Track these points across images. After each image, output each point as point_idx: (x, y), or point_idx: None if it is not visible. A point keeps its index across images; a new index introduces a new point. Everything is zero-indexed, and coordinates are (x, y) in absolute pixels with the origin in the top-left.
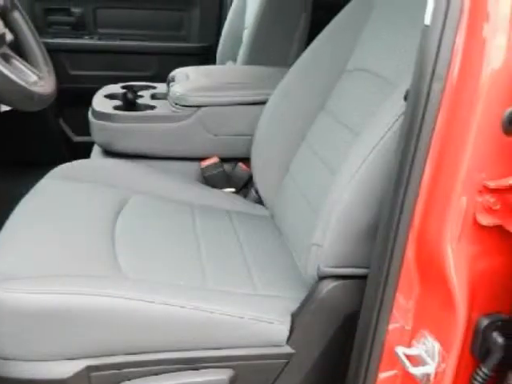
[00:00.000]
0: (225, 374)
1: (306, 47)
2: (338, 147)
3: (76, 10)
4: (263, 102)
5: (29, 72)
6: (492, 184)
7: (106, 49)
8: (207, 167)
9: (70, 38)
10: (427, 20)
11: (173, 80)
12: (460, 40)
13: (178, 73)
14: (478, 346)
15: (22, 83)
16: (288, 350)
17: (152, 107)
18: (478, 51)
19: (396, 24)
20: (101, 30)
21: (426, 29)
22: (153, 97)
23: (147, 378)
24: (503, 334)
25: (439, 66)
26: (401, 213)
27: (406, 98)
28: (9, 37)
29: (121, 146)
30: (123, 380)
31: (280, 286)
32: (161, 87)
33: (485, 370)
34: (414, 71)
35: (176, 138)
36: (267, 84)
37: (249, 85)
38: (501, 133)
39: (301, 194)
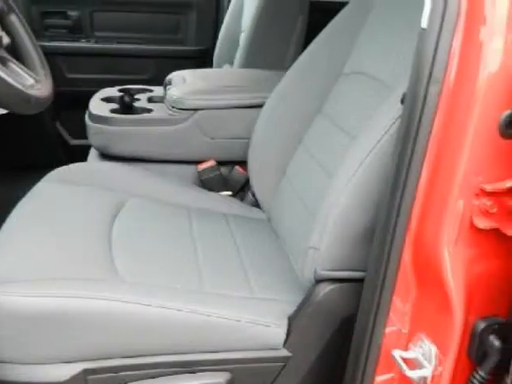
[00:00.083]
0: (222, 377)
1: (302, 50)
2: (335, 150)
3: (73, 14)
4: (260, 105)
5: (26, 75)
6: (489, 187)
7: (103, 52)
8: (204, 170)
9: (67, 41)
10: (424, 23)
11: (169, 83)
12: (457, 43)
13: (175, 76)
14: (474, 349)
15: (19, 86)
16: (285, 353)
17: (149, 110)
18: (475, 54)
19: (393, 27)
20: (97, 34)
21: (423, 32)
22: (150, 100)
23: (144, 381)
24: (500, 338)
25: (436, 69)
26: (398, 216)
27: (402, 101)
28: (5, 40)
29: (118, 149)
30: (120, 383)
31: (277, 289)
32: (158, 90)
33: (481, 373)
34: (411, 74)
35: (173, 141)
36: (264, 87)
37: (246, 88)
38: (498, 136)
39: (298, 197)
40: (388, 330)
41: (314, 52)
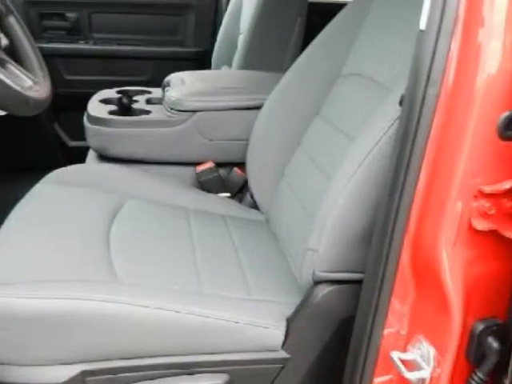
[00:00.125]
0: (220, 379)
1: (301, 52)
2: (333, 152)
3: (71, 15)
4: (258, 107)
5: (24, 77)
6: (487, 189)
7: (101, 54)
8: (202, 172)
9: (65, 42)
10: (422, 25)
11: (168, 85)
12: (455, 45)
13: (174, 77)
14: (473, 351)
15: (17, 88)
16: (283, 354)
17: (147, 112)
18: (473, 56)
19: (390, 29)
20: (96, 35)
21: (421, 34)
22: (148, 102)
23: (142, 382)
24: (498, 339)
25: (434, 71)
26: (396, 218)
27: (401, 103)
28: (4, 41)
29: (116, 150)
30: None
31: (275, 290)
32: (156, 92)
33: (480, 374)
34: (409, 76)
35: (171, 142)
36: (262, 89)
37: (244, 90)
38: (496, 138)
39: (296, 198)
40: (386, 331)
41: (312, 54)
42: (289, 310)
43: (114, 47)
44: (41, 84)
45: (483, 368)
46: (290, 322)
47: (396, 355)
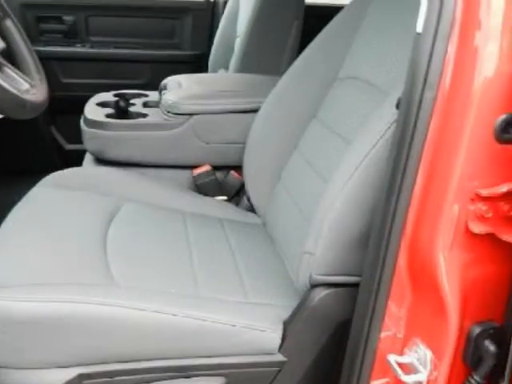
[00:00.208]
0: (217, 382)
1: (297, 55)
2: (330, 155)
3: (68, 18)
4: (255, 110)
5: (21, 80)
6: (484, 192)
7: (98, 57)
8: (199, 175)
9: (62, 46)
10: (419, 28)
11: (165, 88)
12: (452, 48)
13: (170, 81)
14: (470, 354)
15: (14, 91)
16: (280, 358)
17: (144, 115)
18: (470, 59)
19: (387, 32)
20: (93, 38)
21: (418, 37)
22: (145, 105)
23: None
24: (495, 342)
25: (431, 75)
26: (393, 221)
27: (397, 106)
28: (1, 45)
29: (113, 154)
30: None
31: (272, 293)
32: (153, 95)
33: (477, 377)
34: (406, 79)
35: (168, 145)
36: (259, 92)
37: (241, 93)
38: (493, 141)
39: (293, 202)
40: (383, 334)
41: (308, 57)
42: (285, 313)
43: (111, 50)
44: (38, 87)
45: (480, 371)
46: (286, 325)
47: (393, 358)
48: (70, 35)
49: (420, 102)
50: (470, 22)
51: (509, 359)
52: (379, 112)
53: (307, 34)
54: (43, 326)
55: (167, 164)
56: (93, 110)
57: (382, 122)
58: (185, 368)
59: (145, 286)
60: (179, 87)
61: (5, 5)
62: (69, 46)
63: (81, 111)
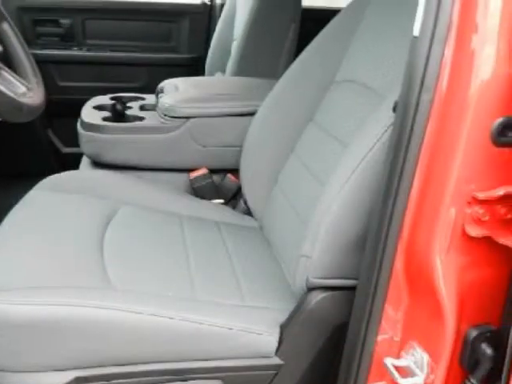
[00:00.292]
0: None
1: (294, 58)
2: (327, 158)
3: (65, 21)
4: (252, 114)
5: (18, 83)
6: (481, 195)
7: (95, 60)
8: (196, 178)
9: (59, 49)
10: (416, 31)
11: (162, 91)
12: (449, 51)
13: (167, 84)
14: (466, 357)
15: (11, 94)
16: (277, 361)
17: (141, 118)
18: (467, 62)
19: (384, 35)
20: (89, 41)
21: (415, 40)
22: (142, 108)
23: None
24: (492, 346)
25: (428, 77)
26: (390, 224)
27: (394, 109)
28: None
29: (110, 157)
30: None
31: (269, 297)
32: (150, 98)
33: (473, 381)
34: (403, 82)
35: (165, 149)
36: (256, 95)
37: (237, 96)
38: (490, 144)
39: (289, 205)
40: (380, 337)
41: (305, 60)
42: (282, 317)
43: (108, 53)
44: (34, 90)
45: (477, 374)
46: (283, 328)
47: (390, 361)
48: (67, 38)
49: (417, 105)
50: (467, 24)
51: (505, 362)
52: (376, 115)
53: (304, 37)
54: (40, 329)
55: (164, 167)
56: (90, 113)
57: (379, 125)
58: (182, 371)
59: (142, 289)
60: (176, 90)
61: (1, 8)
62: (65, 49)
63: (78, 114)
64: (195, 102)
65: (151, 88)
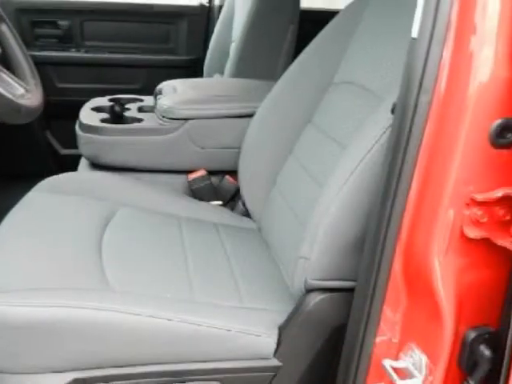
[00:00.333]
0: None
1: (293, 60)
2: (325, 160)
3: (63, 23)
4: (250, 115)
5: (16, 85)
6: (479, 197)
7: (93, 62)
8: (194, 180)
9: (57, 50)
10: (414, 33)
11: (160, 93)
12: (447, 53)
13: (166, 85)
14: (465, 359)
15: (9, 96)
16: (275, 362)
17: (139, 120)
18: (465, 64)
19: (383, 37)
20: (88, 43)
21: (413, 42)
22: (140, 110)
23: None
24: (490, 347)
25: (426, 79)
26: (388, 226)
27: (393, 111)
28: None
29: (108, 158)
30: None
31: (267, 298)
32: (148, 100)
33: (472, 382)
34: (401, 84)
35: (163, 150)
36: (254, 97)
37: (236, 98)
38: (488, 145)
39: (288, 206)
40: (378, 339)
41: (304, 62)
42: (281, 318)
43: (106, 55)
44: (33, 92)
45: (475, 376)
46: (282, 330)
47: (388, 363)
48: (65, 40)
49: (415, 106)
50: (466, 26)
51: (504, 364)
52: (374, 117)
53: (302, 39)
54: (38, 330)
55: (162, 169)
56: (88, 115)
57: (377, 127)
58: (180, 373)
59: (140, 290)
60: (174, 92)
61: (0, 10)
62: (64, 50)
63: (76, 116)
64: (193, 103)
65: (149, 90)
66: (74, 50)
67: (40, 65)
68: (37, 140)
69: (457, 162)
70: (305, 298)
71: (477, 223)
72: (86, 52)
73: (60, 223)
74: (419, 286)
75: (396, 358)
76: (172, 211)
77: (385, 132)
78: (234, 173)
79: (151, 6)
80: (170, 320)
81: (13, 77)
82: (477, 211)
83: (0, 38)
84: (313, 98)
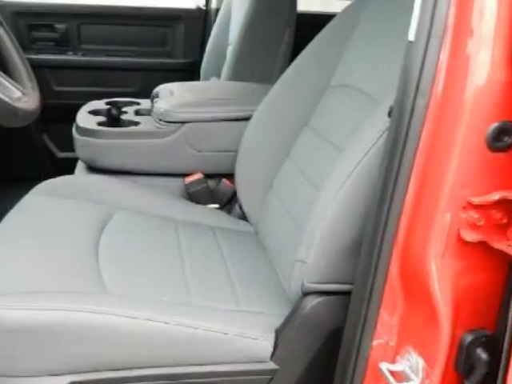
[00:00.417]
0: None
1: (290, 63)
2: (322, 163)
3: (60, 26)
4: (247, 118)
5: (13, 88)
6: (476, 200)
7: (90, 65)
8: (191, 183)
9: (54, 53)
10: (411, 36)
11: (157, 96)
12: (444, 56)
13: (162, 89)
14: (461, 362)
15: (6, 99)
16: (272, 366)
17: (136, 123)
18: (462, 67)
19: (379, 40)
20: (85, 46)
21: (410, 45)
22: (137, 113)
23: None
24: (487, 350)
25: (423, 82)
26: (385, 229)
27: (389, 114)
28: None
29: (105, 161)
30: None
31: (264, 301)
32: (145, 103)
33: None
34: (398, 87)
35: (160, 154)
36: (251, 100)
37: (233, 101)
38: (485, 149)
39: (285, 210)
40: (375, 342)
41: (301, 65)
42: (277, 322)
43: (103, 58)
44: (30, 95)
45: (472, 379)
46: (278, 333)
47: (385, 366)
48: (62, 43)
49: (412, 109)
50: (463, 29)
51: (500, 367)
52: (371, 120)
53: (299, 42)
54: (35, 334)
55: (159, 172)
56: (85, 118)
57: (374, 130)
58: (177, 376)
59: (137, 294)
60: (171, 95)
61: None
62: (61, 53)
63: (73, 119)
64: (190, 106)
65: (146, 93)
66: (70, 53)
67: (37, 68)
68: (34, 143)
69: (453, 165)
70: (301, 301)
71: (473, 226)
72: (83, 55)
73: (57, 226)
74: (416, 289)
75: (393, 362)
76: (169, 214)
77: (381, 135)
78: (230, 176)
79: (148, 9)
80: (167, 323)
81: (10, 80)
82: (473, 214)
83: None
84: (309, 101)
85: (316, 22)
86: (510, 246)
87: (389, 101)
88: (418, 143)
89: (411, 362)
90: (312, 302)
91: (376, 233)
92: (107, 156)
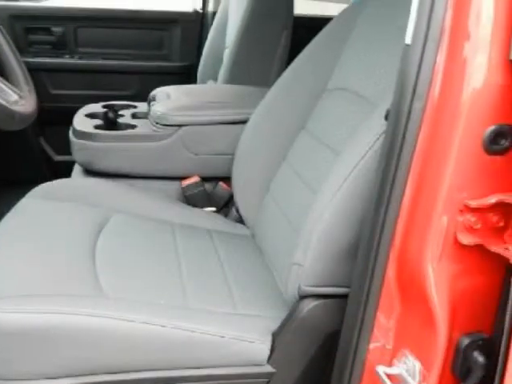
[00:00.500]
0: None
1: (286, 66)
2: (319, 166)
3: (57, 30)
4: (244, 121)
5: (10, 91)
6: (473, 203)
7: (87, 68)
8: (188, 186)
9: (51, 57)
10: (408, 39)
11: (153, 99)
12: (441, 59)
13: (159, 92)
14: (458, 365)
15: (3, 102)
16: (269, 369)
17: (133, 126)
18: (459, 70)
19: (376, 43)
20: (81, 49)
21: (407, 48)
22: (134, 116)
23: None
24: (484, 354)
25: (420, 85)
26: (382, 232)
27: (386, 117)
28: None
29: (102, 165)
30: None
31: (261, 305)
32: (142, 106)
33: None
34: (395, 90)
35: (157, 157)
36: (248, 103)
37: (229, 104)
38: (482, 152)
39: (281, 213)
40: (372, 345)
41: (297, 68)
42: (274, 325)
43: (100, 62)
44: (26, 98)
45: (469, 382)
46: (275, 336)
47: (382, 370)
48: (59, 46)
49: (409, 112)
50: (460, 32)
51: (497, 370)
52: (368, 123)
53: (296, 45)
54: (32, 337)
55: (156, 175)
56: (81, 121)
57: (371, 133)
58: (174, 379)
59: (134, 297)
60: (168, 98)
61: None
62: (57, 57)
63: (70, 122)
64: (187, 110)
65: (143, 96)
66: (67, 56)
67: (34, 71)
68: (31, 146)
69: (450, 168)
70: (298, 305)
71: (470, 229)
72: (80, 58)
73: (54, 229)
74: (413, 292)
75: (390, 365)
76: (166, 218)
77: (378, 138)
78: (227, 179)
79: (145, 13)
80: (164, 326)
81: (6, 83)
82: (470, 217)
83: None
84: (306, 104)
85: (313, 25)
86: (506, 249)
87: (385, 104)
88: (414, 146)
89: (408, 365)
90: (309, 305)
91: (373, 236)
92: (104, 159)
